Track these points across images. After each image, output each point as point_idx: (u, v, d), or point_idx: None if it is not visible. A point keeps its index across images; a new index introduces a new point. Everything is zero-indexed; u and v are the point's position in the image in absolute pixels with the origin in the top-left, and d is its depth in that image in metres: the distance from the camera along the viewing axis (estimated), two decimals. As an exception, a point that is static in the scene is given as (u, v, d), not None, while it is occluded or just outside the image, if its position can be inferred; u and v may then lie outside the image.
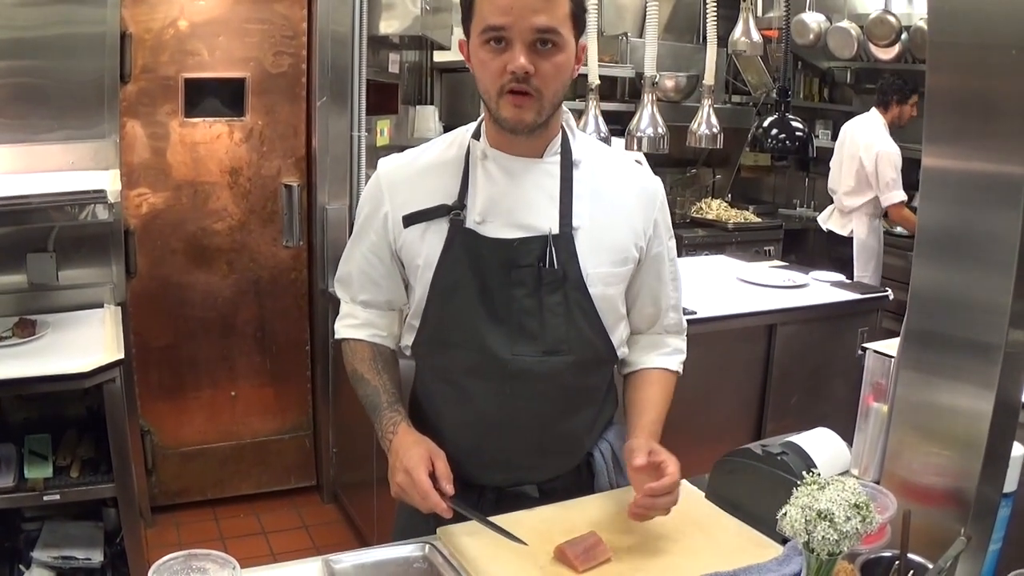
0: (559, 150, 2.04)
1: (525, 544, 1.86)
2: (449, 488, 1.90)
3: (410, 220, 2.04)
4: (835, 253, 6.61)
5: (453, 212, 2.00)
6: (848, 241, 6.48)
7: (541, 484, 2.15)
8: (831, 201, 6.69)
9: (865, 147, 6.27)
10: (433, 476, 1.91)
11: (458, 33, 5.63)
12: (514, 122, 1.90)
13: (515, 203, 2.01)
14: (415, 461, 1.92)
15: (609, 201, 2.06)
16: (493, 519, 1.97)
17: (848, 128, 6.52)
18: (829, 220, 6.70)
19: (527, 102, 1.87)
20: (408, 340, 2.16)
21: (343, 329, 2.26)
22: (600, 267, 2.02)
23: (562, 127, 2.06)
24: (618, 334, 2.13)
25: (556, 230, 1.99)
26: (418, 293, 2.07)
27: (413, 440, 2.00)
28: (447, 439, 2.08)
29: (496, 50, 1.84)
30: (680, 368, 2.27)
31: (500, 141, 2.00)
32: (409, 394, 2.25)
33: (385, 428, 2.07)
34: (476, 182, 2.02)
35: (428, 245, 2.03)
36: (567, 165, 2.03)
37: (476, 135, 2.06)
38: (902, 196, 6.20)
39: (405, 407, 2.13)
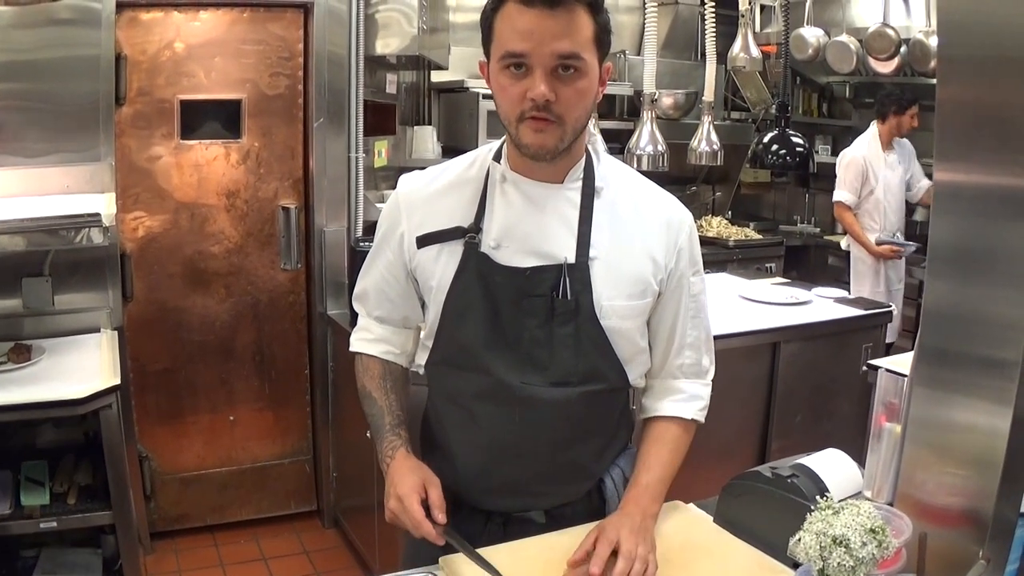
0: (581, 175, 1.99)
1: None
2: (441, 517, 1.90)
3: (424, 241, 2.02)
4: (837, 267, 6.67)
5: (468, 235, 1.97)
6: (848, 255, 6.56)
7: (550, 510, 2.11)
8: (834, 217, 6.75)
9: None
10: (428, 504, 1.91)
11: (456, 53, 5.67)
12: (535, 148, 1.86)
13: (532, 229, 1.96)
14: (407, 489, 1.93)
15: (630, 230, 2.01)
16: (499, 547, 1.95)
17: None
18: (843, 237, 6.81)
19: (548, 127, 1.83)
20: (422, 360, 2.14)
21: (357, 343, 2.24)
22: (615, 299, 1.97)
23: (587, 151, 2.02)
24: (636, 367, 2.08)
25: (572, 259, 1.94)
26: (431, 314, 2.05)
27: (409, 467, 1.99)
28: (456, 462, 2.08)
29: (516, 76, 1.80)
30: (699, 416, 2.17)
31: (520, 165, 1.96)
32: (422, 414, 2.23)
33: (384, 451, 2.06)
34: (493, 205, 1.99)
35: (442, 267, 2.00)
36: (588, 192, 1.99)
37: (497, 157, 2.02)
38: (843, 196, 6.40)
39: (408, 430, 2.11)
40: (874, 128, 6.42)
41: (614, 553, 1.84)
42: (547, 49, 1.75)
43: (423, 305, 2.11)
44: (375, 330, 2.20)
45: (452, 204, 2.02)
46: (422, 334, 2.14)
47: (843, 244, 6.69)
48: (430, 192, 2.06)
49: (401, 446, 2.05)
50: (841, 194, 6.37)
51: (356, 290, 2.23)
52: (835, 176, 6.48)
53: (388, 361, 2.20)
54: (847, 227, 6.48)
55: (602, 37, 1.83)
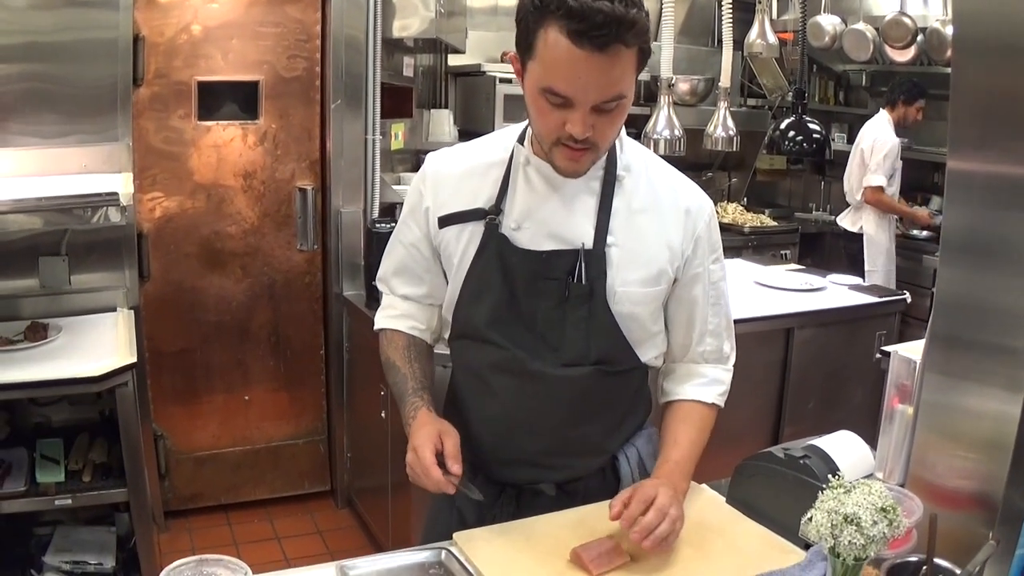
0: (603, 163, 1.99)
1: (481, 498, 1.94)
2: (456, 468, 1.89)
3: (446, 222, 2.04)
4: (848, 250, 6.63)
5: (489, 216, 1.99)
6: (860, 238, 6.48)
7: (562, 483, 2.13)
8: (848, 204, 6.69)
9: (867, 138, 6.38)
10: (443, 456, 1.91)
11: (473, 37, 5.65)
12: (569, 172, 1.90)
13: (552, 214, 1.97)
14: (422, 440, 1.93)
15: (648, 217, 2.01)
16: (519, 521, 2.00)
17: (862, 129, 6.57)
18: (843, 218, 6.72)
19: (584, 155, 1.85)
20: (446, 333, 2.17)
21: (382, 319, 2.26)
22: (629, 286, 1.98)
23: None
24: (647, 350, 2.09)
25: (590, 244, 1.95)
26: (451, 289, 2.08)
27: (427, 421, 2.00)
28: (474, 433, 2.10)
29: (556, 105, 1.77)
30: (719, 400, 2.18)
31: (542, 150, 1.95)
32: (446, 392, 2.25)
33: (407, 414, 2.07)
34: (516, 188, 2.00)
35: (463, 245, 2.02)
36: (609, 179, 1.99)
37: (521, 139, 2.03)
38: (880, 181, 6.31)
39: (431, 395, 2.12)
40: (886, 114, 6.42)
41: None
42: (593, 95, 1.73)
43: (447, 281, 2.13)
44: (400, 306, 2.22)
45: (476, 185, 2.03)
46: (443, 308, 2.16)
47: (854, 227, 6.63)
48: (456, 172, 2.08)
49: (422, 407, 2.05)
50: (878, 178, 6.30)
51: (380, 270, 2.25)
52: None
53: (413, 336, 2.22)
54: (888, 207, 6.45)
55: (643, 62, 1.79)
